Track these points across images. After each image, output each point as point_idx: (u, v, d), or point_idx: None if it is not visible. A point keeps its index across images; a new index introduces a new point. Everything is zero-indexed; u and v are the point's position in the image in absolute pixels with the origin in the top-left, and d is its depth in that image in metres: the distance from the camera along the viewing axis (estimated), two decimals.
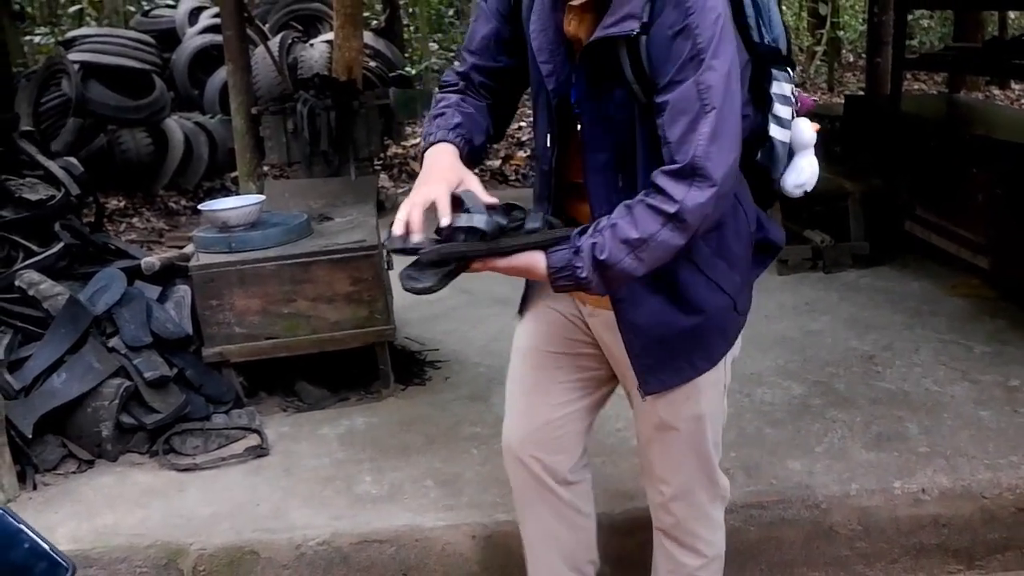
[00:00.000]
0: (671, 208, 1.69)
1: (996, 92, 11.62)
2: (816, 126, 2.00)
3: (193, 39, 8.70)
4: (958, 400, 3.54)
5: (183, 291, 3.76)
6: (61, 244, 3.93)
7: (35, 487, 3.23)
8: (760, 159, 1.94)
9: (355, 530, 2.90)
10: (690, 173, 1.68)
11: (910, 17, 8.03)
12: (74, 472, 3.33)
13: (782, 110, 1.92)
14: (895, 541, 2.95)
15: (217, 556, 2.86)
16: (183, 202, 7.81)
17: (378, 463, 3.26)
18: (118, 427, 3.37)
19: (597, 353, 2.14)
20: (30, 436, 3.24)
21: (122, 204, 7.63)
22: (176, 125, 7.90)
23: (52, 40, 10.78)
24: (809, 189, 1.98)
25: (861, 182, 5.48)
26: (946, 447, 3.19)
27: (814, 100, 2.09)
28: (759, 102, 1.93)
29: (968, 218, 4.83)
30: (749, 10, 1.88)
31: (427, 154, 1.92)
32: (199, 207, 3.92)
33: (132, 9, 11.30)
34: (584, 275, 1.72)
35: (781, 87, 1.92)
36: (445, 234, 1.73)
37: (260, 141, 6.36)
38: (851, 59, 14.08)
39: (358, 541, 2.88)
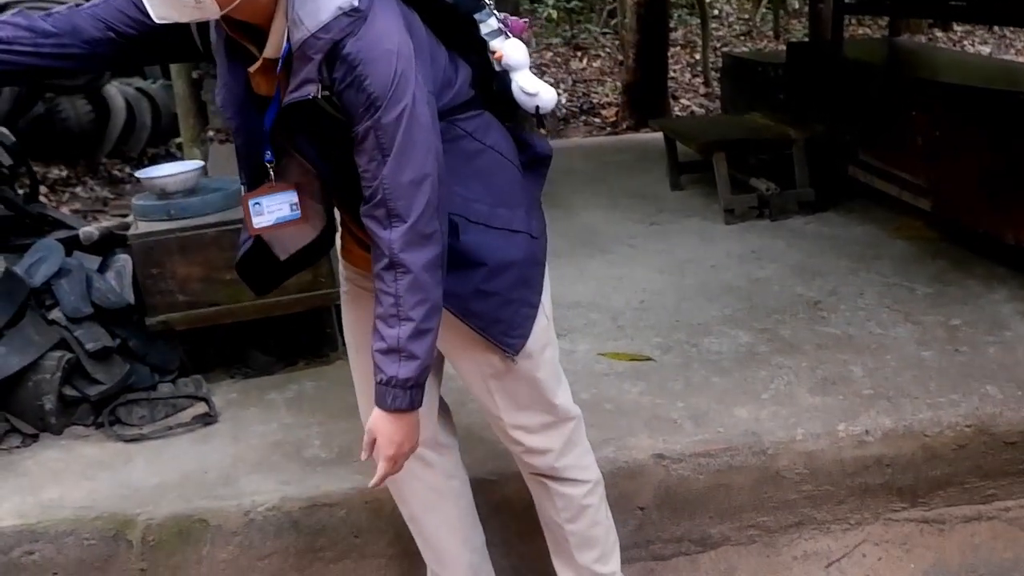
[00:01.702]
0: (384, 261, 1.80)
1: (939, 34, 11.71)
2: (524, 46, 2.05)
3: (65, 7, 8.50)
4: (901, 341, 3.60)
5: (123, 260, 3.70)
6: None
7: None
8: (496, 88, 2.03)
9: (304, 494, 2.90)
10: (385, 215, 1.78)
11: None
12: (18, 447, 3.29)
13: (496, 44, 2.00)
14: (841, 483, 3.00)
15: (166, 525, 2.84)
16: (127, 170, 7.67)
17: (327, 427, 3.25)
18: (61, 400, 3.33)
19: None
20: None
21: (64, 174, 7.49)
22: (117, 91, 7.74)
23: None
24: (545, 104, 2.03)
25: (805, 129, 5.52)
26: (889, 388, 3.24)
27: (524, 21, 2.15)
28: (474, 46, 2.01)
29: (910, 161, 4.88)
30: None
31: None
32: (136, 174, 3.85)
33: None
34: (407, 372, 1.85)
35: (488, 25, 2.00)
36: None
37: (203, 106, 6.25)
38: (797, 6, 14.10)
39: (308, 505, 2.87)
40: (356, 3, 1.72)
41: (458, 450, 2.48)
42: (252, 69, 1.85)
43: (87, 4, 1.96)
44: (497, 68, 2.02)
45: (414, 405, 1.89)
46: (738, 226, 5.20)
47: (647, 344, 3.74)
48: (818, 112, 5.74)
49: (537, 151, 2.18)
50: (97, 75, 7.42)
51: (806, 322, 3.83)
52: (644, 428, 3.09)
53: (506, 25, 2.04)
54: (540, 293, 2.13)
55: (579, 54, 12.35)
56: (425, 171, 1.78)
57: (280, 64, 1.78)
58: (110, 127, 7.63)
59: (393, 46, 1.74)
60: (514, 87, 2.02)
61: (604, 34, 13.22)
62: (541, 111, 2.05)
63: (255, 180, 2.01)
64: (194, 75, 6.18)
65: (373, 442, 1.95)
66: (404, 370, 1.84)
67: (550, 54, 12.06)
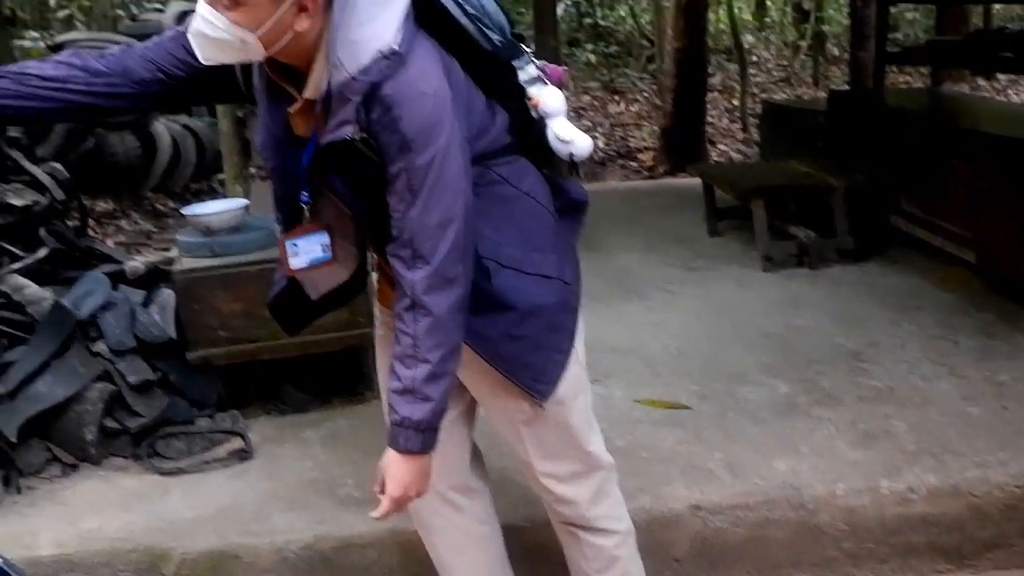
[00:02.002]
0: (407, 301, 1.82)
1: (982, 83, 11.65)
2: (560, 93, 2.06)
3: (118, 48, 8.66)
4: (945, 396, 3.55)
5: (167, 295, 3.75)
6: (46, 249, 3.92)
7: (19, 491, 3.21)
8: (532, 135, 2.04)
9: (338, 534, 2.90)
10: (411, 255, 1.80)
11: (893, 9, 8.05)
12: (58, 476, 3.32)
13: (534, 91, 2.02)
14: (883, 541, 2.95)
15: (200, 560, 2.85)
16: (171, 204, 7.78)
17: (361, 466, 3.25)
18: (102, 431, 3.37)
19: None
20: (15, 440, 3.23)
21: (110, 207, 7.61)
22: (164, 128, 7.86)
23: (42, 44, 10.72)
24: (580, 152, 2.03)
25: (845, 177, 5.49)
26: (934, 444, 3.19)
27: (563, 68, 2.18)
28: (512, 93, 2.02)
29: (953, 211, 4.84)
30: (470, 27, 1.92)
31: None
32: (182, 211, 3.91)
33: (121, 13, 11.25)
34: (420, 414, 1.86)
35: (527, 72, 2.02)
36: None
37: (246, 143, 6.32)
38: (836, 53, 14.10)
39: (341, 545, 2.87)
40: (395, 47, 1.74)
41: (490, 495, 2.46)
42: (292, 110, 1.88)
43: (139, 46, 2.01)
44: (534, 115, 2.03)
45: (426, 448, 1.89)
46: (777, 274, 5.17)
47: (684, 391, 3.72)
48: (859, 160, 5.72)
49: (572, 197, 2.18)
50: (145, 112, 7.56)
51: (846, 373, 3.79)
52: (680, 477, 3.07)
53: (544, 72, 2.06)
54: (572, 339, 2.13)
55: (617, 98, 12.40)
56: (452, 215, 1.79)
57: (319, 105, 1.81)
58: (156, 162, 7.75)
59: (430, 89, 1.76)
60: (549, 134, 2.03)
61: (642, 79, 13.27)
62: (575, 158, 2.06)
63: (291, 220, 2.03)
64: (239, 114, 6.26)
65: (383, 480, 1.96)
66: (418, 412, 1.84)
67: (588, 98, 12.12)
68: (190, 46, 1.83)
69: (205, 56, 1.80)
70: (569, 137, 2.02)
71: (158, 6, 10.50)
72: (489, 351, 2.01)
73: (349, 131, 1.76)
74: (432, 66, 1.80)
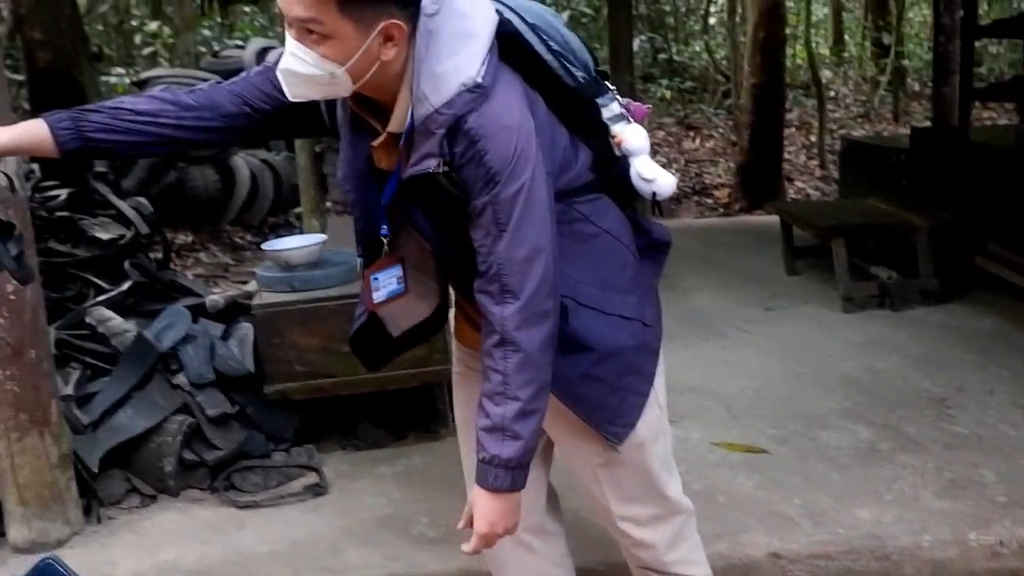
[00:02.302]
0: (496, 337, 1.79)
1: None
2: (644, 132, 2.03)
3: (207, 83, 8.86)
4: None
5: (246, 329, 3.81)
6: (130, 282, 4.03)
7: (99, 521, 3.27)
8: (615, 173, 2.02)
9: (411, 572, 2.89)
10: (499, 290, 1.77)
11: (977, 44, 7.88)
12: (137, 507, 3.38)
13: (618, 129, 1.99)
14: None
15: None
16: (248, 237, 7.93)
17: (435, 504, 3.24)
18: (181, 463, 3.41)
19: None
20: (96, 470, 3.30)
21: (190, 239, 7.77)
22: (243, 162, 8.03)
23: (127, 80, 11.05)
24: (662, 191, 2.00)
25: (929, 216, 5.37)
26: None
27: (647, 107, 2.15)
28: (596, 130, 2.00)
29: None
30: (554, 63, 1.90)
31: None
32: (262, 247, 3.97)
33: (203, 50, 11.56)
34: (510, 452, 1.82)
35: (610, 109, 1.99)
36: None
37: (323, 178, 6.41)
38: (917, 88, 13.88)
39: None
40: (479, 80, 1.74)
41: (565, 538, 2.42)
42: (376, 143, 1.89)
43: (227, 82, 2.05)
44: (617, 153, 2.02)
45: (516, 486, 1.86)
46: (857, 315, 5.07)
47: (762, 434, 3.65)
48: (943, 199, 5.59)
49: (656, 237, 2.16)
50: (231, 146, 7.74)
51: (931, 419, 3.68)
52: (759, 524, 3.00)
53: (628, 110, 2.04)
54: (651, 382, 2.09)
55: (692, 134, 12.35)
56: (540, 248, 1.77)
57: (403, 138, 1.81)
58: (235, 196, 7.91)
59: (514, 122, 1.75)
60: (632, 172, 2.01)
61: (717, 114, 13.20)
62: (658, 197, 2.03)
63: (372, 254, 2.04)
64: (316, 149, 6.36)
65: (471, 516, 1.93)
66: (507, 450, 1.81)
67: (662, 133, 12.09)
68: (276, 81, 1.85)
69: (294, 93, 1.81)
70: (652, 175, 2.00)
71: (239, 43, 10.77)
72: (565, 391, 1.99)
73: (432, 164, 1.75)
74: (516, 99, 1.79)
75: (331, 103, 1.97)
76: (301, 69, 1.74)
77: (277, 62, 1.88)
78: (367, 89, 1.80)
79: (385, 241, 1.97)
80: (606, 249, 2.01)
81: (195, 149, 2.14)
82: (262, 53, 9.33)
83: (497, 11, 1.83)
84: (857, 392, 3.99)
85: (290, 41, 1.74)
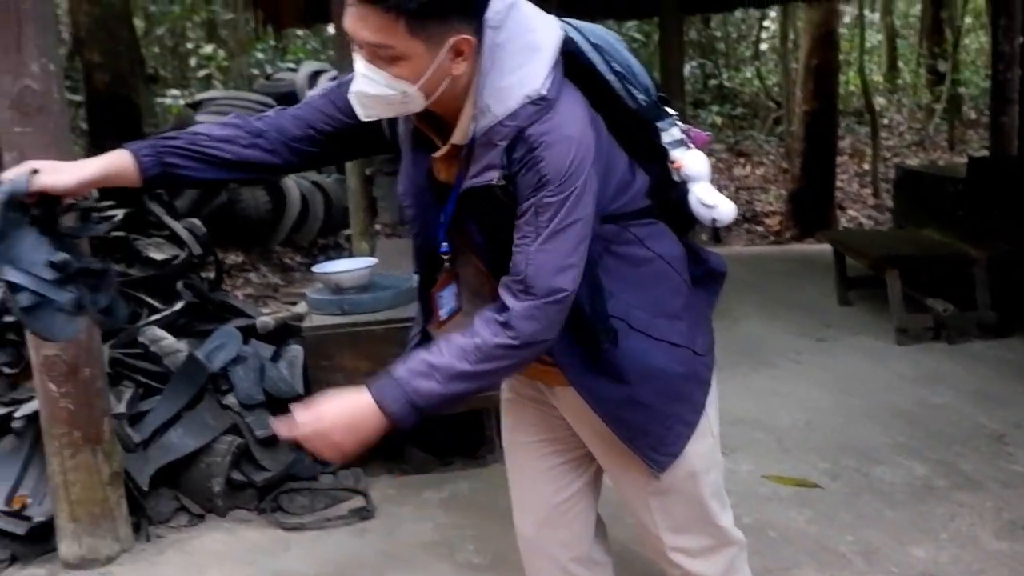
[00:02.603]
0: (502, 317, 1.75)
1: None
2: (705, 158, 2.00)
3: (274, 109, 8.97)
4: None
5: (296, 351, 3.83)
6: (183, 302, 4.06)
7: (148, 539, 3.30)
8: (673, 199, 1.99)
9: None
10: (521, 288, 1.75)
11: None
12: (185, 526, 3.40)
13: (678, 154, 1.97)
14: None
15: None
16: (298, 258, 8.00)
17: (481, 530, 3.23)
18: (229, 483, 3.43)
19: (572, 432, 2.13)
20: (146, 489, 3.33)
21: (240, 259, 7.85)
22: (293, 184, 8.11)
23: (181, 102, 11.25)
24: (721, 217, 1.96)
25: (987, 247, 5.27)
26: None
27: (708, 135, 2.12)
28: (655, 155, 1.98)
29: None
30: (616, 84, 1.90)
31: None
32: (313, 269, 3.99)
33: (256, 72, 11.74)
34: (425, 390, 1.74)
35: (670, 134, 1.97)
36: None
37: (373, 201, 6.46)
38: (973, 116, 13.68)
39: None
40: (544, 92, 1.74)
41: (612, 568, 2.39)
42: (437, 155, 1.89)
43: (291, 108, 2.07)
44: (675, 178, 2.00)
45: (395, 420, 1.75)
46: (911, 347, 4.98)
47: (813, 468, 3.59)
48: (1001, 230, 5.48)
49: (711, 266, 2.13)
50: (293, 171, 7.82)
51: (989, 456, 3.60)
52: (810, 560, 2.95)
53: (688, 136, 2.03)
54: (699, 411, 2.05)
55: (742, 161, 12.28)
56: (571, 261, 1.76)
57: (465, 150, 1.81)
58: (285, 217, 7.99)
59: (575, 133, 1.75)
60: (692, 198, 1.99)
61: (768, 141, 13.12)
62: (718, 224, 2.01)
63: (429, 274, 2.04)
64: (367, 172, 6.41)
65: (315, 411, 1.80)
66: (425, 387, 1.74)
67: (713, 160, 11.88)
68: (339, 102, 1.89)
69: (367, 114, 1.81)
70: (713, 202, 1.98)
71: (291, 66, 10.92)
72: (610, 414, 1.96)
73: (494, 176, 1.75)
74: (579, 113, 1.79)
75: (392, 119, 1.99)
76: (373, 90, 1.75)
77: (338, 85, 1.92)
78: (436, 105, 1.81)
79: (445, 259, 1.97)
80: (659, 274, 1.99)
81: (265, 174, 2.14)
82: (314, 76, 9.46)
83: (565, 32, 1.84)
84: (911, 427, 3.91)
85: (360, 63, 1.74)
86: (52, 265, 1.80)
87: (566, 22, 1.89)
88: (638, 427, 1.97)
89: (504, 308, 1.77)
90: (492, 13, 1.76)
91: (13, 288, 1.76)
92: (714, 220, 2.00)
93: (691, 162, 1.99)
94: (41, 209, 1.81)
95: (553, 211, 1.73)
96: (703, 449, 2.06)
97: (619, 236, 1.92)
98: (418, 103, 1.77)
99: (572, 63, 1.84)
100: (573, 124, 1.76)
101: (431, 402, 1.75)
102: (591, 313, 1.88)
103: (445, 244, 1.94)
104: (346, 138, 2.01)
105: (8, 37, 2.79)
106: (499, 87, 1.75)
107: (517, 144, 1.74)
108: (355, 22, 1.70)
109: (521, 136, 1.73)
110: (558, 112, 1.75)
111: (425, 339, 2.14)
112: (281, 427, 1.80)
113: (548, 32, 1.81)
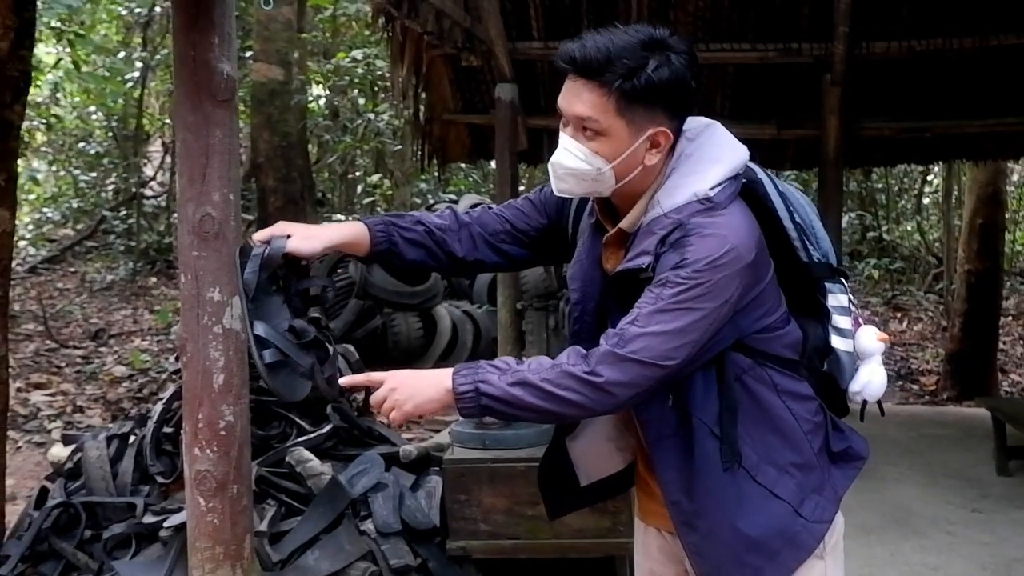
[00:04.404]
0: (587, 353, 1.78)
1: None
2: (883, 336, 1.99)
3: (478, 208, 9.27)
4: None
5: (435, 482, 3.87)
6: (330, 426, 4.18)
7: None
8: (827, 369, 1.99)
9: None
10: (616, 341, 1.76)
11: None
12: None
13: (841, 320, 1.97)
14: None
15: None
16: None
17: None
18: None
19: None
20: None
21: None
22: (446, 312, 8.34)
23: None
24: (871, 398, 1.97)
25: None
26: None
27: (884, 336, 2.09)
28: (817, 315, 1.98)
29: None
30: (793, 232, 1.92)
31: None
32: None
33: (418, 202, 12.22)
34: (494, 383, 1.78)
35: (837, 299, 1.97)
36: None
37: (522, 335, 6.59)
38: None
39: None
40: (711, 195, 1.82)
41: None
42: (606, 238, 1.97)
43: (496, 206, 2.24)
44: (834, 344, 1.98)
45: (461, 401, 1.81)
46: None
47: None
48: None
49: (853, 447, 2.05)
50: (432, 296, 8.06)
51: None
52: None
53: (854, 309, 2.01)
54: (788, 573, 1.93)
55: (899, 315, 11.95)
56: (675, 337, 1.75)
57: (631, 239, 1.88)
58: (435, 344, 8.19)
59: (733, 240, 1.78)
60: (845, 368, 1.98)
61: (926, 297, 12.74)
62: (867, 398, 1.99)
63: None
64: (518, 306, 6.57)
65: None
66: (496, 381, 1.78)
67: (868, 313, 11.75)
68: (537, 202, 2.11)
69: (560, 188, 1.93)
70: (873, 380, 1.97)
71: (452, 196, 11.34)
72: (692, 544, 1.93)
73: (645, 261, 1.81)
74: (745, 225, 1.83)
75: (576, 221, 2.09)
76: (571, 163, 1.87)
77: (539, 190, 2.14)
78: (618, 194, 1.91)
79: None
80: (782, 423, 1.94)
81: (462, 270, 2.29)
82: (473, 208, 9.79)
83: (754, 171, 1.92)
84: None
85: (564, 138, 1.88)
86: (291, 329, 1.93)
87: (764, 170, 1.96)
88: (715, 564, 1.93)
89: (588, 352, 1.80)
90: (691, 125, 1.90)
91: (261, 343, 1.89)
92: (858, 393, 1.98)
93: (866, 337, 1.99)
94: (285, 273, 1.96)
95: (679, 290, 1.75)
96: None
97: (754, 371, 1.91)
98: (608, 184, 1.88)
99: (753, 199, 1.90)
100: (735, 231, 1.81)
101: (493, 395, 1.79)
102: (720, 432, 1.87)
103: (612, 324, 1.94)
104: (538, 238, 2.15)
105: (196, 168, 2.99)
106: (674, 185, 1.85)
107: (674, 232, 1.80)
108: (569, 95, 1.85)
109: (680, 226, 1.80)
110: (723, 215, 1.81)
111: (563, 460, 2.15)
112: (353, 378, 1.93)
113: (734, 152, 1.90)
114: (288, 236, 1.97)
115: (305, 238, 1.99)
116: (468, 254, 2.16)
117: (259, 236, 2.00)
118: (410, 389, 1.86)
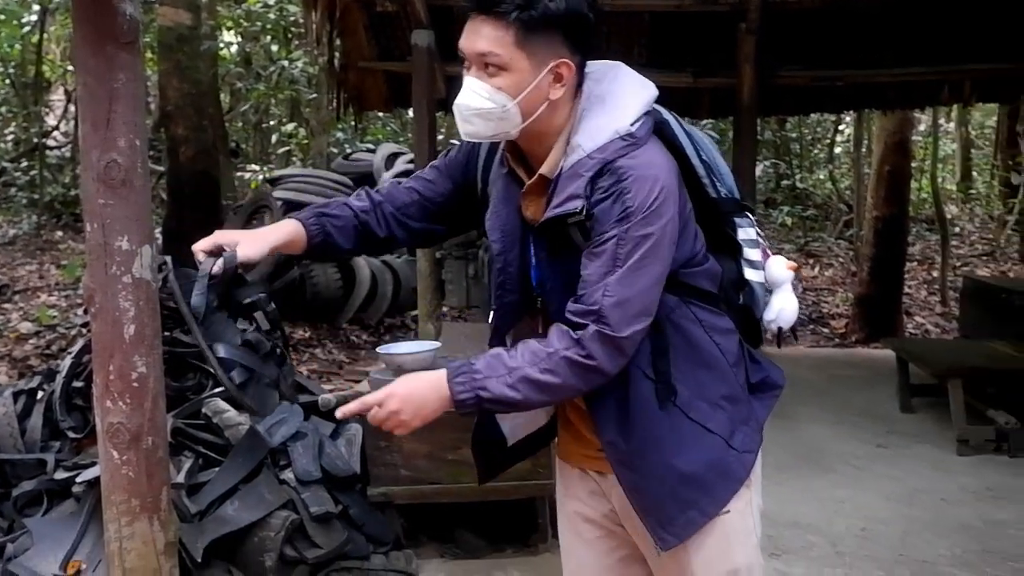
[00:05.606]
0: (576, 334, 1.80)
1: None
2: (792, 264, 2.06)
3: (387, 182, 9.17)
4: None
5: (355, 429, 3.88)
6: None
7: None
8: (743, 301, 2.05)
9: None
10: (595, 318, 1.78)
11: None
12: None
13: (752, 253, 2.04)
14: None
15: None
16: (364, 336, 8.11)
17: None
18: (281, 559, 3.45)
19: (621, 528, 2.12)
20: (199, 560, 3.35)
21: (307, 335, 7.99)
22: (364, 263, 8.25)
23: (260, 177, 11.56)
24: (785, 324, 2.04)
25: None
26: None
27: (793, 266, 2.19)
28: (729, 250, 2.04)
29: None
30: (701, 169, 1.97)
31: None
32: (376, 349, 4.05)
33: (335, 151, 12.04)
34: (493, 388, 1.80)
35: (746, 232, 2.04)
36: None
37: (442, 284, 6.59)
38: None
39: None
40: (633, 130, 1.85)
41: None
42: (526, 187, 1.97)
43: (405, 180, 2.21)
44: (747, 276, 2.04)
45: (458, 404, 1.83)
46: (973, 459, 4.89)
47: None
48: None
49: (770, 377, 2.12)
50: (407, 246, 7.97)
51: None
52: None
53: (762, 238, 2.08)
54: (720, 507, 2.00)
55: (811, 261, 12.22)
56: (648, 307, 1.82)
57: (552, 185, 1.89)
58: (354, 295, 8.11)
59: (661, 174, 1.83)
60: (758, 297, 2.04)
61: (838, 243, 13.05)
62: (781, 325, 2.05)
63: (504, 327, 2.06)
64: (437, 255, 6.55)
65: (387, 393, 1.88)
66: (494, 386, 1.81)
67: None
68: (443, 168, 2.10)
69: (467, 131, 1.93)
70: (785, 307, 2.03)
71: (370, 146, 11.20)
72: (630, 482, 1.97)
73: (576, 205, 1.82)
74: (665, 162, 1.87)
75: (485, 173, 2.08)
76: (476, 103, 1.87)
77: (443, 155, 2.12)
78: (527, 136, 1.91)
79: (539, 299, 2.00)
80: (710, 359, 1.99)
81: (378, 248, 2.27)
82: (392, 157, 9.68)
83: (660, 112, 1.94)
84: (970, 540, 3.83)
85: (468, 79, 1.88)
86: (247, 344, 1.89)
87: (667, 109, 1.98)
88: (651, 500, 1.98)
89: (578, 327, 1.81)
90: (596, 67, 1.92)
91: (226, 366, 1.85)
92: (773, 322, 2.04)
93: (777, 266, 2.04)
94: (223, 286, 1.92)
95: (633, 246, 1.79)
96: (748, 549, 2.05)
97: (679, 309, 1.95)
98: (515, 122, 1.88)
99: (662, 136, 1.93)
100: (659, 166, 1.85)
101: (494, 397, 1.82)
102: (654, 373, 1.91)
103: (535, 272, 1.97)
104: (448, 207, 2.15)
105: (99, 113, 2.88)
106: (591, 126, 1.86)
107: (602, 175, 1.82)
108: (470, 34, 1.86)
109: (607, 167, 1.82)
110: (646, 151, 1.85)
111: (489, 423, 2.18)
112: (348, 407, 1.91)
113: (645, 88, 1.93)
114: (236, 243, 1.96)
115: (251, 243, 1.99)
116: (384, 233, 2.16)
117: (200, 247, 1.97)
118: (413, 407, 1.88)
